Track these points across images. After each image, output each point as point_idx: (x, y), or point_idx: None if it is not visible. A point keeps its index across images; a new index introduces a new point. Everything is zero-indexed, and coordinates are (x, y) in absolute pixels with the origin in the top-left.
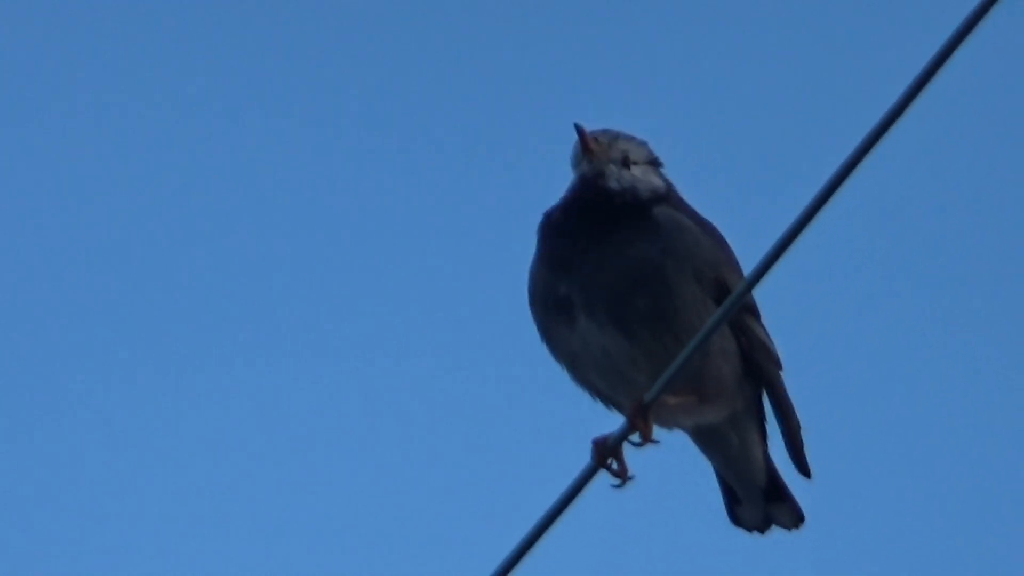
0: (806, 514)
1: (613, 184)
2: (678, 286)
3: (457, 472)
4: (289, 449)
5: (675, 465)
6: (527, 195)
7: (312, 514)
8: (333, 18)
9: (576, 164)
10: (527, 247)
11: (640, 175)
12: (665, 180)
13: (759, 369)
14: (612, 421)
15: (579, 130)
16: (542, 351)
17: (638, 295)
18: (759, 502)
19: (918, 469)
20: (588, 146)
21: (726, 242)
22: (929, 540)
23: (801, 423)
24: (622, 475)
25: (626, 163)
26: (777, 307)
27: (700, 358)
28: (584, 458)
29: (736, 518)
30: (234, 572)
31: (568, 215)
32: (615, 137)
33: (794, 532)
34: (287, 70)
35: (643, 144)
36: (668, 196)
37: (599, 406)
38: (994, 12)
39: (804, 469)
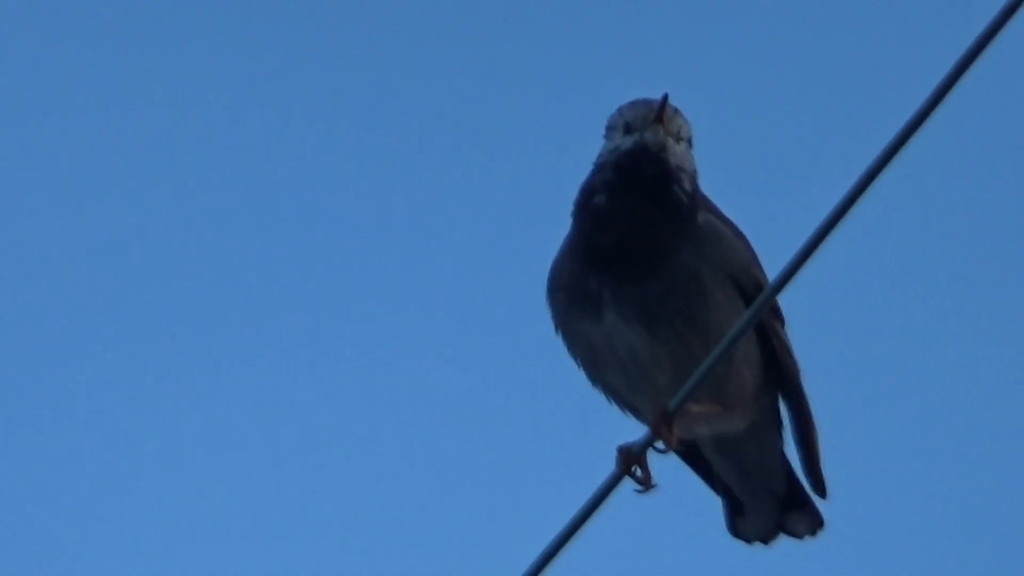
0: (825, 519)
1: (672, 159)
2: (713, 293)
3: (481, 480)
4: (307, 454)
5: (684, 473)
6: (539, 193)
7: (327, 528)
8: (336, 18)
9: (636, 128)
10: (545, 246)
11: (685, 153)
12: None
13: (783, 375)
14: (636, 428)
15: (665, 98)
16: (566, 358)
17: (672, 298)
18: (771, 511)
19: (938, 490)
20: (665, 113)
21: (751, 245)
22: (948, 565)
23: (819, 436)
24: (646, 482)
25: (678, 138)
26: (794, 317)
27: (724, 365)
28: (609, 465)
29: (736, 530)
30: (245, 574)
31: (615, 199)
32: (676, 111)
33: (811, 540)
34: (289, 70)
35: (689, 123)
36: (698, 187)
37: (617, 410)
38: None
39: (820, 487)
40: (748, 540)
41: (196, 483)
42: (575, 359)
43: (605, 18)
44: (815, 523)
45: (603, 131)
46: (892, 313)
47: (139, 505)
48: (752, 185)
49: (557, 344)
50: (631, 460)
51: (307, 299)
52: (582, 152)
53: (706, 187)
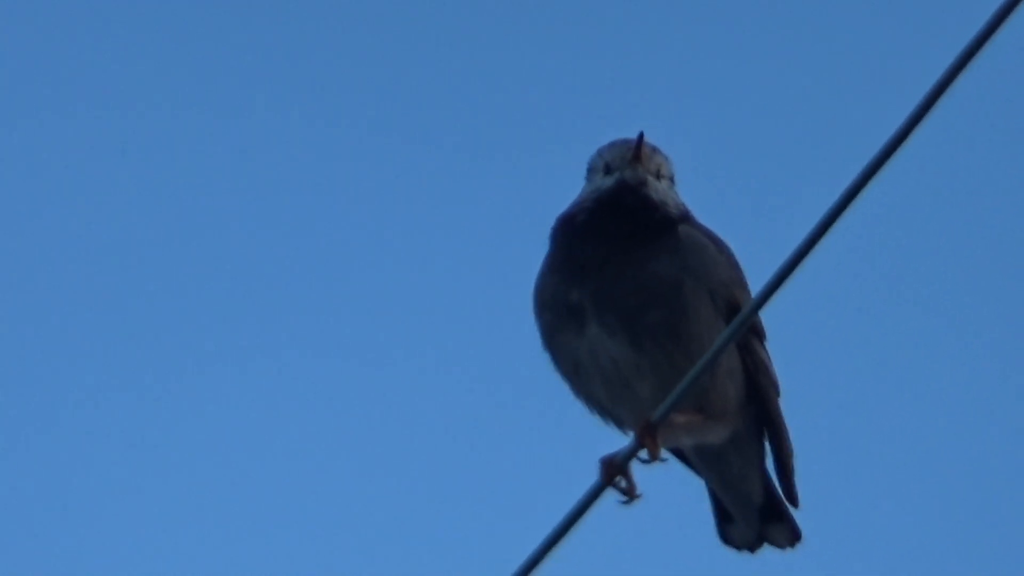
0: (803, 533)
1: (653, 194)
2: (693, 304)
3: (465, 489)
4: (293, 458)
5: (673, 482)
6: (532, 196)
7: (314, 538)
8: (339, 18)
9: (615, 168)
10: (534, 257)
11: (668, 190)
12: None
13: (761, 392)
14: (620, 439)
15: (641, 137)
16: (551, 371)
17: (653, 309)
18: (754, 521)
19: (909, 504)
20: (642, 152)
21: (737, 262)
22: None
23: (793, 451)
24: (630, 493)
25: (659, 176)
26: (775, 331)
27: (708, 377)
28: (592, 476)
29: (726, 536)
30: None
31: (597, 218)
32: (654, 149)
33: (789, 551)
34: (291, 70)
35: (669, 160)
36: (688, 214)
37: (599, 421)
38: (1017, 14)
39: (792, 498)
40: (737, 547)
41: (196, 483)
42: (560, 373)
43: (597, 25)
44: (793, 536)
45: (584, 173)
46: (872, 326)
47: (139, 505)
48: (736, 199)
49: (542, 356)
50: (614, 471)
51: (303, 300)
52: (579, 153)
53: (691, 203)
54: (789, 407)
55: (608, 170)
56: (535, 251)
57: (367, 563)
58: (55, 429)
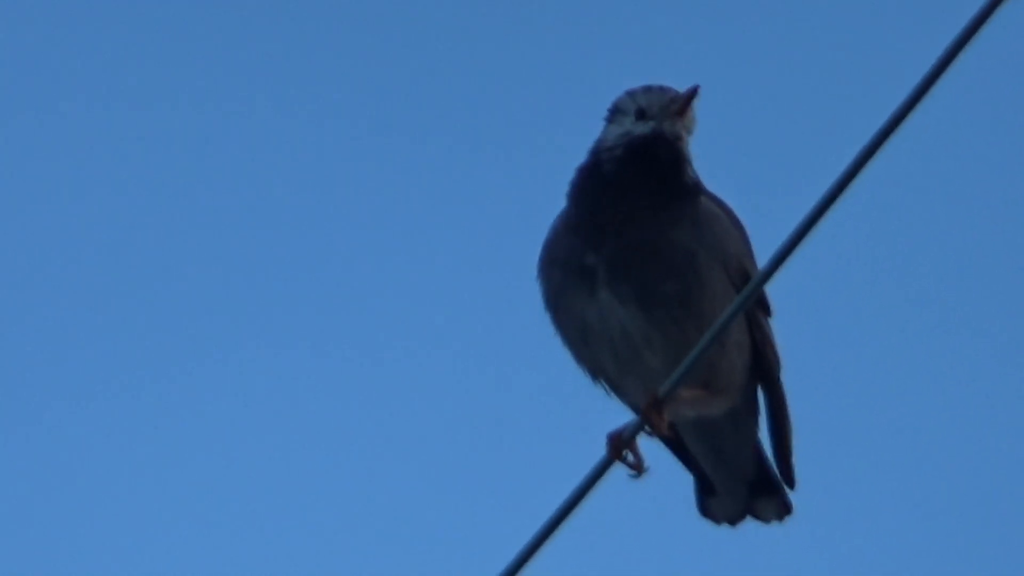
0: (793, 506)
1: (686, 151)
2: (708, 277)
3: (473, 466)
4: (293, 443)
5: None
6: (525, 185)
7: (320, 508)
8: (341, 17)
9: (652, 116)
10: (530, 233)
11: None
12: None
13: (766, 366)
14: (622, 410)
15: (695, 91)
16: (555, 342)
17: (668, 279)
18: (741, 494)
19: (906, 486)
20: (688, 107)
21: (748, 235)
22: (913, 561)
23: (793, 428)
24: (638, 467)
25: (688, 132)
26: (779, 306)
27: (717, 350)
28: (599, 450)
29: (705, 509)
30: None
31: (625, 168)
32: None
33: (778, 525)
34: (293, 68)
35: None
36: (699, 182)
37: (601, 390)
38: (1006, 7)
39: (789, 478)
40: (716, 521)
41: (196, 483)
42: (563, 337)
43: (591, 13)
44: (783, 509)
45: (605, 114)
46: (875, 307)
47: (138, 505)
48: (743, 174)
49: (547, 328)
50: (621, 445)
51: (303, 298)
52: (572, 150)
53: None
54: (790, 384)
55: (642, 115)
56: (533, 222)
57: (371, 543)
58: (54, 428)
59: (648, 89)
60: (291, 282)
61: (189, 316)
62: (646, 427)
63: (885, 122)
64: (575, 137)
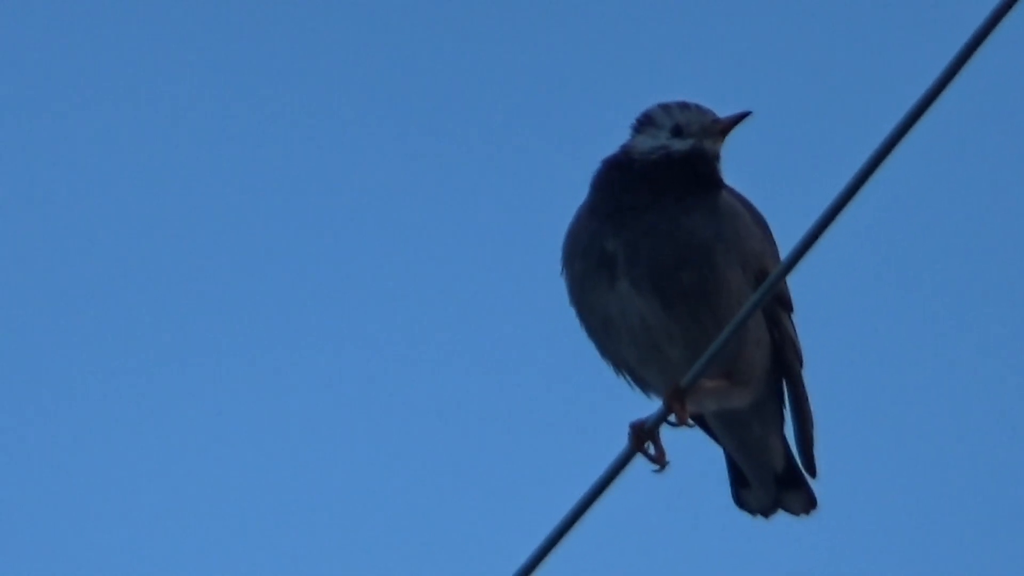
0: (818, 500)
1: (721, 169)
2: (724, 270)
3: (495, 457)
4: (307, 444)
5: (697, 448)
6: (531, 187)
7: (344, 503)
8: (346, 16)
9: (690, 134)
10: (546, 228)
11: None
12: None
13: (786, 363)
14: (646, 402)
15: (744, 116)
16: (579, 334)
17: (684, 270)
18: (771, 487)
19: (925, 476)
20: (730, 130)
21: (772, 235)
22: (932, 551)
23: (814, 421)
24: (660, 460)
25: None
26: (800, 299)
27: (737, 344)
28: (621, 442)
29: (741, 500)
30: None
31: (657, 171)
32: None
33: (804, 518)
34: (294, 67)
35: None
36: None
37: (625, 383)
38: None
39: (811, 468)
40: (752, 512)
41: (195, 483)
42: (587, 329)
43: (600, 17)
44: (809, 503)
45: (633, 123)
46: (893, 301)
47: (138, 505)
48: (764, 169)
49: (570, 320)
50: (644, 436)
51: (304, 298)
52: (572, 150)
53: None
54: (811, 377)
55: (678, 132)
56: (546, 217)
57: (394, 534)
58: (54, 428)
59: (685, 106)
60: (295, 284)
61: (190, 316)
62: (669, 418)
63: (901, 119)
64: (576, 137)
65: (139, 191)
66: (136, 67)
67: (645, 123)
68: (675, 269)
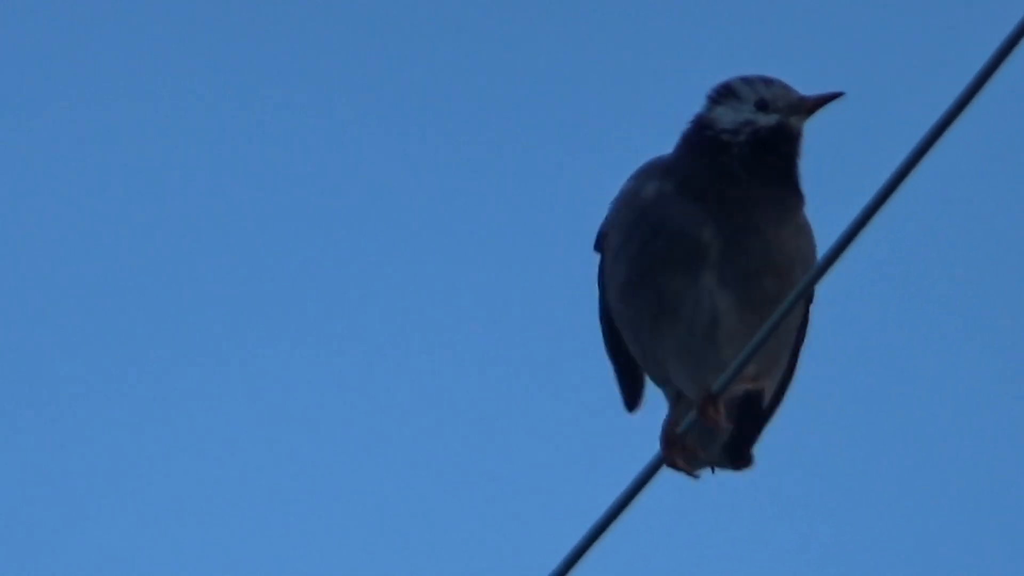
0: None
1: (801, 150)
2: (796, 285)
3: (524, 462)
4: (308, 445)
5: None
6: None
7: (368, 503)
8: (346, 17)
9: (776, 109)
10: (559, 231)
11: None
12: None
13: (797, 352)
14: (660, 403)
15: (835, 96)
16: (604, 333)
17: (767, 277)
18: (712, 449)
19: (923, 475)
20: (817, 109)
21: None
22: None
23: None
24: (692, 468)
25: None
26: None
27: (775, 343)
28: (653, 448)
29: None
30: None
31: (756, 153)
32: None
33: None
34: (295, 67)
35: None
36: None
37: (613, 378)
38: None
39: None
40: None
41: (196, 483)
42: (627, 315)
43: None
44: (744, 463)
45: (711, 94)
46: (894, 302)
47: (138, 505)
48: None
49: (579, 316)
50: (676, 442)
51: (307, 297)
52: (572, 149)
53: None
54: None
55: (763, 106)
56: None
57: (417, 539)
58: (55, 428)
59: (769, 81)
60: (298, 285)
61: (190, 316)
62: (702, 423)
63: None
64: (575, 137)
65: (139, 191)
66: (136, 67)
67: (725, 95)
68: (761, 274)
